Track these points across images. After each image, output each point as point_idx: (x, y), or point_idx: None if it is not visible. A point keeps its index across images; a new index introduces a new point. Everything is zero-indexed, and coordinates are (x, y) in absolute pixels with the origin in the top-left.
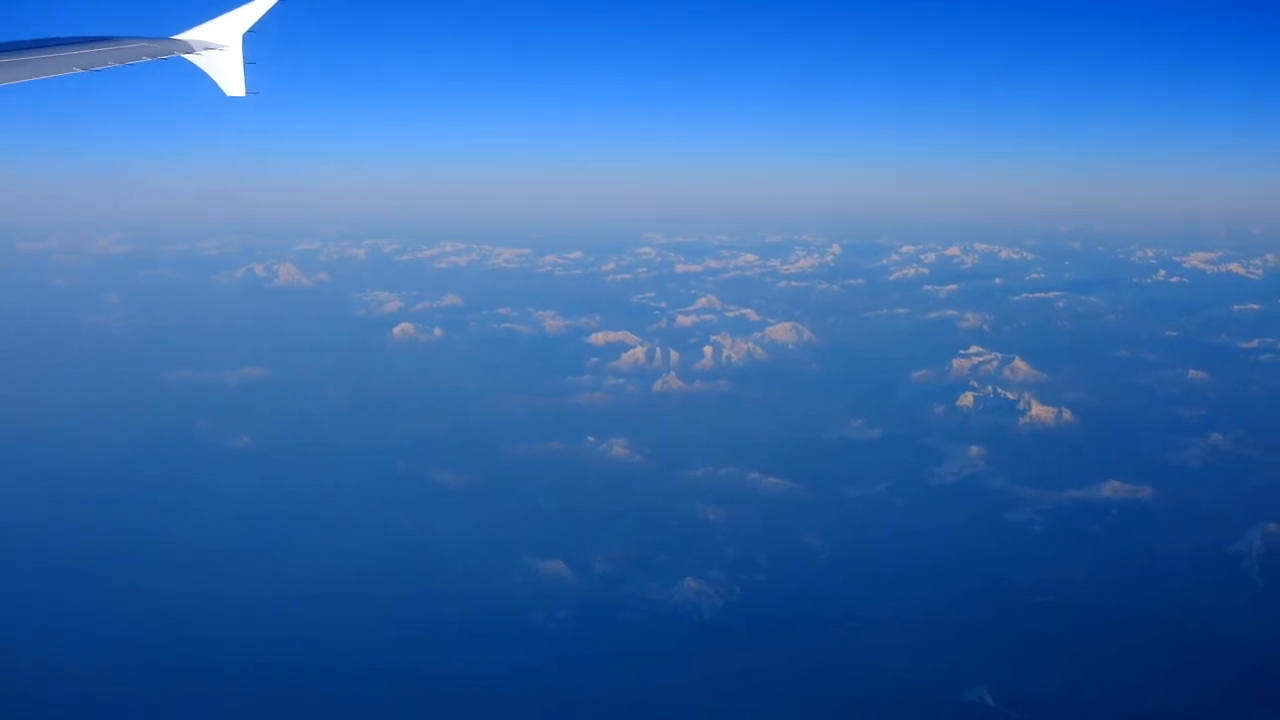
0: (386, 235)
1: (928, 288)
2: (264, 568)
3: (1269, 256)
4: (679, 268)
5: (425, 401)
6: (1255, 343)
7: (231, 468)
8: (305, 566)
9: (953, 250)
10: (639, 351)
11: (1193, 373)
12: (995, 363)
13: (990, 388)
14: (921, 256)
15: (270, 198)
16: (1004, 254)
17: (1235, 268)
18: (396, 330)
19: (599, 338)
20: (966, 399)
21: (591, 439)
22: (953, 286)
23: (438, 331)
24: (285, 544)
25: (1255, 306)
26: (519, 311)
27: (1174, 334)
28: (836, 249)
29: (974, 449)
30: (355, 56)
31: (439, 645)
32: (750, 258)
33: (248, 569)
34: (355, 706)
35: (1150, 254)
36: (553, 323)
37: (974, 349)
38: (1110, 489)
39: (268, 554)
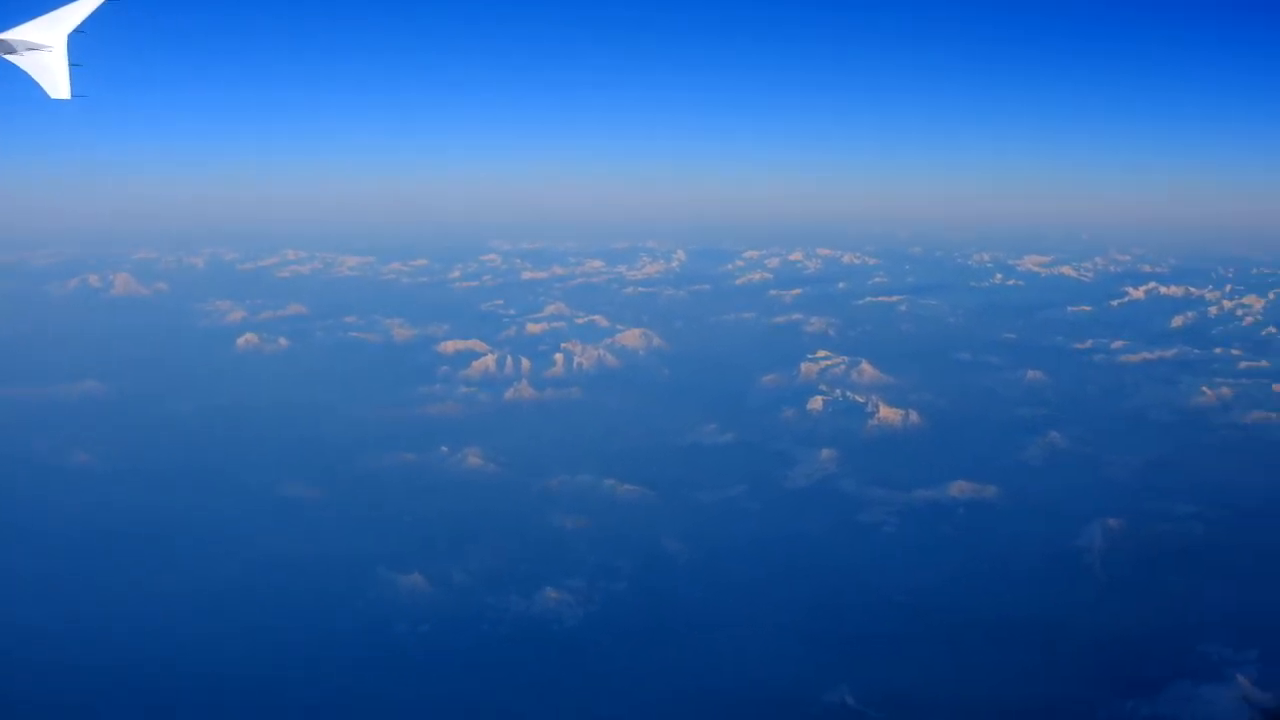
0: (226, 244)
1: (773, 292)
2: (112, 587)
3: (1098, 260)
4: (526, 275)
5: (273, 413)
6: (1089, 343)
7: (72, 486)
8: (155, 585)
9: (796, 255)
10: (489, 360)
11: (1031, 373)
12: (842, 366)
13: (838, 391)
14: (766, 261)
15: (103, 206)
16: (846, 259)
17: (1067, 270)
18: (240, 341)
19: (448, 346)
20: (816, 402)
21: (445, 449)
22: (797, 291)
23: (283, 341)
24: (133, 563)
25: (1087, 308)
26: (366, 320)
27: (1012, 336)
28: (682, 255)
29: (825, 452)
30: (190, 59)
31: (297, 662)
32: (597, 264)
33: (92, 589)
34: None
35: (986, 258)
36: (401, 331)
37: (821, 353)
38: (957, 489)
39: (115, 573)
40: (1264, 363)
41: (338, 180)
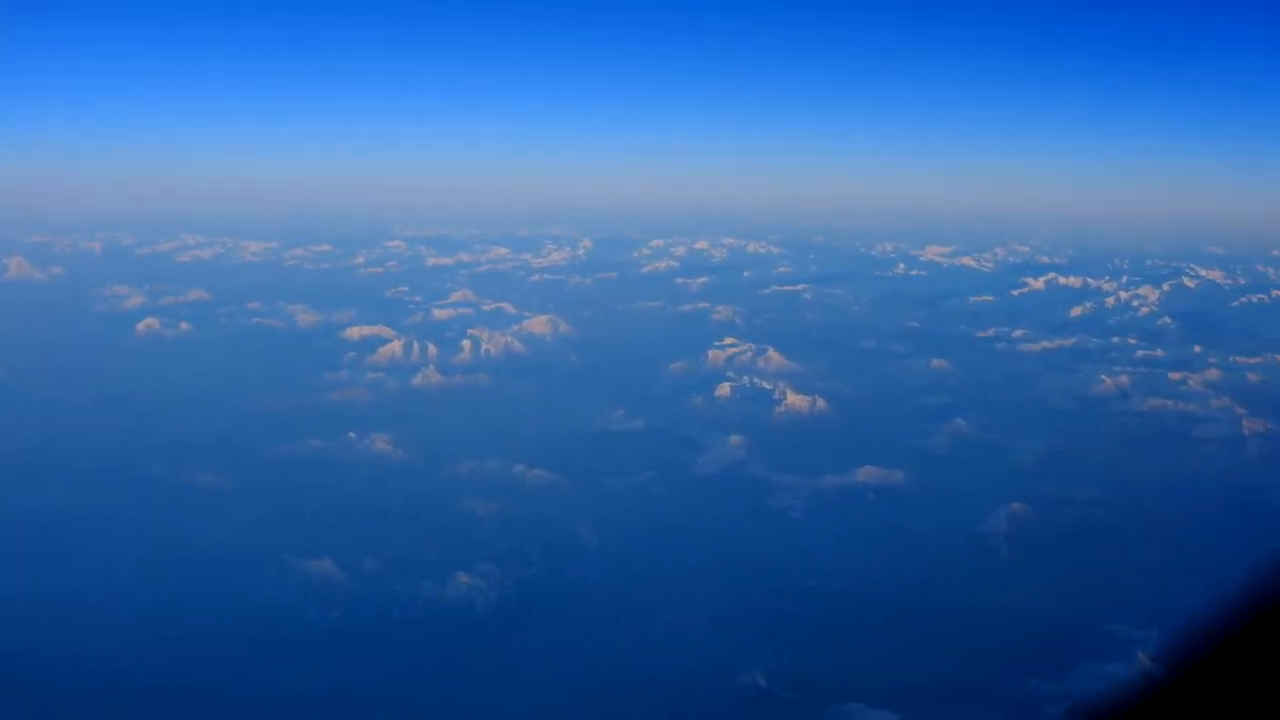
0: (122, 228)
1: (679, 280)
2: (8, 581)
3: (998, 250)
4: (430, 261)
5: (177, 400)
6: (991, 331)
7: None
8: (56, 577)
9: (701, 244)
10: (396, 346)
11: (935, 361)
12: (749, 353)
13: (746, 378)
14: (672, 250)
15: None
16: (751, 248)
17: (968, 261)
18: (140, 326)
19: (354, 332)
20: (724, 389)
21: (353, 435)
22: (703, 279)
23: (185, 327)
24: (32, 554)
25: (989, 298)
26: (269, 306)
27: (916, 325)
28: (588, 243)
29: (734, 438)
30: (71, 37)
31: (201, 653)
32: (502, 251)
33: None
34: None
35: (889, 248)
36: (305, 317)
37: (729, 340)
38: (865, 474)
39: (11, 566)
40: (1159, 352)
41: (237, 165)
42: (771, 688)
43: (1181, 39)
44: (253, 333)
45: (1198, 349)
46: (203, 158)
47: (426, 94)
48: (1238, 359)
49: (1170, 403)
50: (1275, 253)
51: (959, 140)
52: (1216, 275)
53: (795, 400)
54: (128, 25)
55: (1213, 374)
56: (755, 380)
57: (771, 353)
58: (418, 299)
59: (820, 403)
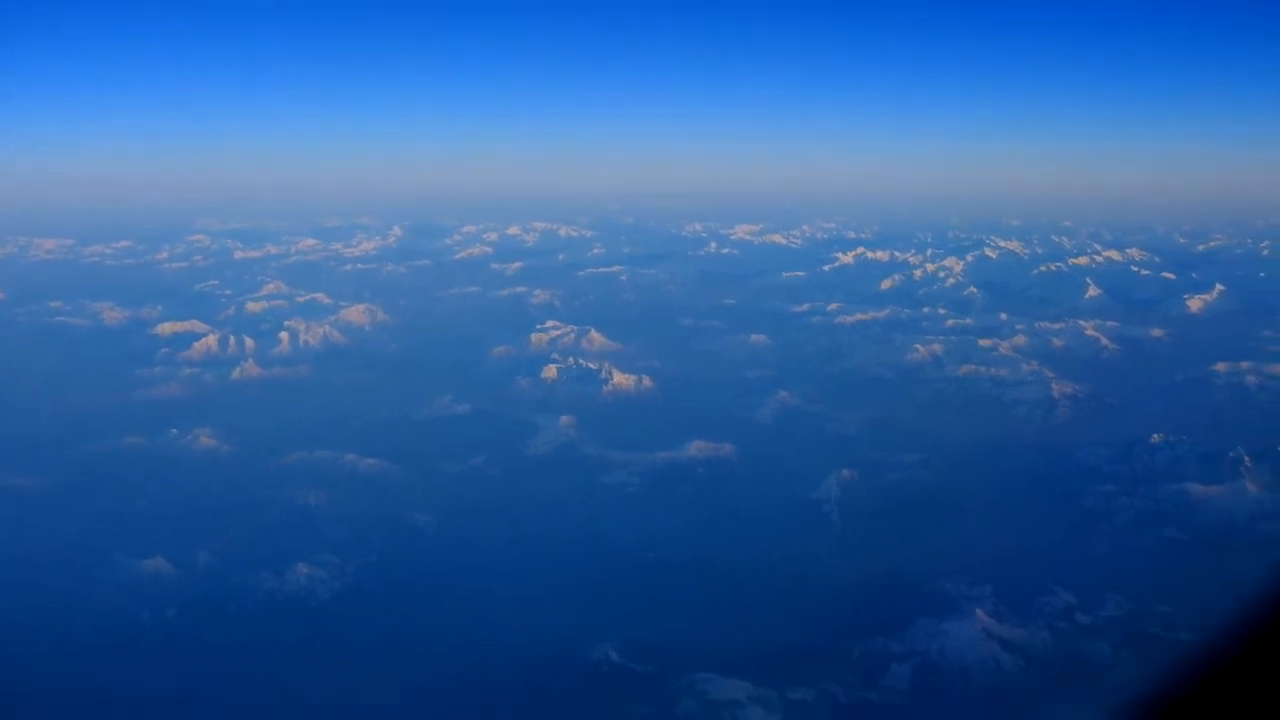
0: None
1: (494, 266)
2: None
3: (805, 228)
4: (238, 254)
5: None
6: (805, 306)
7: None
8: None
9: (513, 229)
10: (211, 340)
11: (754, 337)
12: (572, 335)
13: (571, 359)
14: (484, 236)
15: None
16: (563, 231)
17: (778, 238)
18: None
19: (165, 328)
20: (550, 371)
21: (174, 431)
22: (518, 264)
23: None
24: None
25: (801, 273)
26: (72, 304)
27: (732, 302)
28: (398, 231)
29: (564, 418)
30: None
31: (31, 662)
32: (311, 242)
33: None
34: None
35: (699, 228)
36: (111, 314)
37: (550, 323)
38: (695, 448)
39: None
40: (968, 320)
41: (21, 161)
42: (624, 661)
43: (964, 19)
44: (56, 331)
45: (1004, 316)
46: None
47: (222, 82)
48: (1042, 324)
49: (982, 368)
50: (1068, 223)
51: (762, 120)
52: (1015, 246)
53: (621, 379)
54: None
55: (1020, 340)
56: (580, 361)
57: (593, 334)
58: (228, 292)
59: (646, 381)
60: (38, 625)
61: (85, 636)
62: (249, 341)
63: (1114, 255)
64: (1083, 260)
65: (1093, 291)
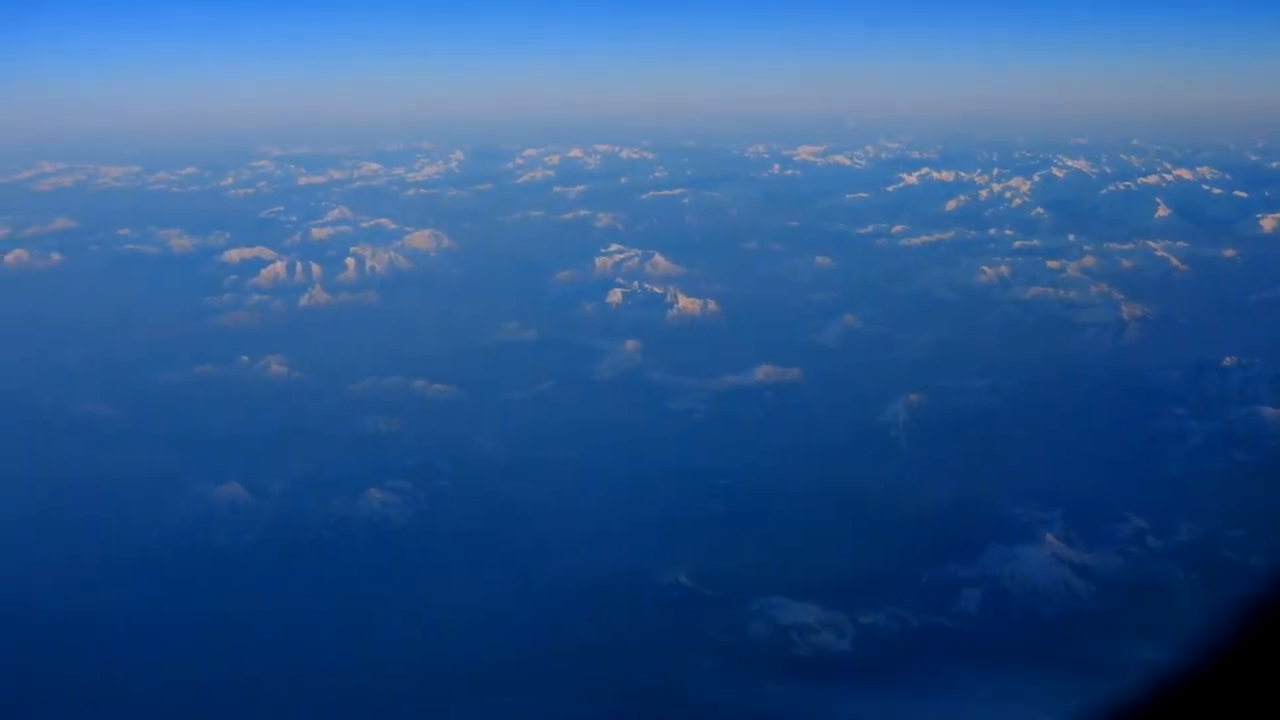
0: None
1: (557, 189)
2: None
3: (869, 148)
4: (302, 180)
5: (56, 331)
6: (870, 228)
7: None
8: None
9: (575, 152)
10: (278, 267)
11: (818, 259)
12: (636, 259)
13: (635, 283)
14: (546, 159)
15: None
16: (625, 154)
17: (841, 159)
18: (9, 258)
19: (233, 255)
20: (615, 295)
21: (245, 359)
22: (581, 188)
23: (55, 257)
24: None
25: (865, 195)
26: (141, 232)
27: (795, 224)
28: (460, 155)
29: (629, 343)
30: None
31: (113, 587)
32: (374, 167)
33: None
34: (31, 656)
35: (762, 149)
36: (179, 241)
37: (614, 247)
38: (762, 373)
39: None
40: (1036, 241)
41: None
42: (695, 586)
43: None
44: (127, 260)
45: (1072, 237)
46: (53, 81)
47: (281, 7)
48: (1111, 245)
49: (1050, 290)
50: (1136, 142)
51: (825, 39)
52: (1083, 165)
53: (687, 304)
54: None
55: (1088, 261)
56: (644, 286)
57: (657, 258)
58: (294, 218)
59: (711, 305)
60: (120, 550)
61: (165, 559)
62: (315, 268)
63: (1184, 174)
64: (1152, 179)
65: (1162, 211)
